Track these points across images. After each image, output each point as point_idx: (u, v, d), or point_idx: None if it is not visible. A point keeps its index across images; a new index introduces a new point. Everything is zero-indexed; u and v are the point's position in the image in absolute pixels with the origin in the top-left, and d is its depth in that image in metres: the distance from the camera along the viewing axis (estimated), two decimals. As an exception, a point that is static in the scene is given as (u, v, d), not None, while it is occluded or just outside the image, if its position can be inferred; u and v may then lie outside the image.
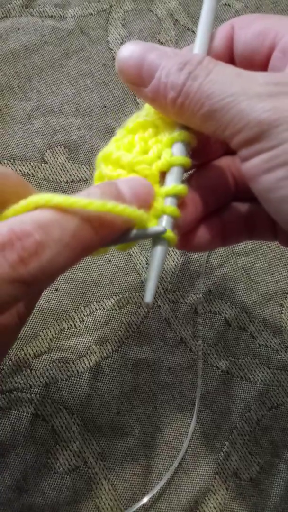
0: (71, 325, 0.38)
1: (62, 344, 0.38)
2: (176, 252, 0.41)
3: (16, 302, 0.21)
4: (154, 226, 0.24)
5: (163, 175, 0.26)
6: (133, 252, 0.41)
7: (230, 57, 0.28)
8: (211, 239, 0.29)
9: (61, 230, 0.21)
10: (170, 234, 0.25)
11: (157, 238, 0.25)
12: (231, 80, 0.23)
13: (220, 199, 0.30)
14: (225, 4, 0.51)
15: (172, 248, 0.41)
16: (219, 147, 0.30)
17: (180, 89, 0.24)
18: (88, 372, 0.37)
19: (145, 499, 0.35)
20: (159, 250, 0.25)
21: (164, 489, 0.36)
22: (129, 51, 0.25)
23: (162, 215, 0.25)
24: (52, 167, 0.42)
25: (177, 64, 0.24)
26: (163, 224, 0.25)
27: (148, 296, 0.24)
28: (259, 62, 0.26)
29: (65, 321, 0.38)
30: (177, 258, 0.42)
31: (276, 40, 0.25)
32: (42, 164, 0.42)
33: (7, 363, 0.37)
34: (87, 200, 0.21)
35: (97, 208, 0.21)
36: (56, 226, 0.21)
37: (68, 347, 0.38)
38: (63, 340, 0.38)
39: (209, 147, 0.30)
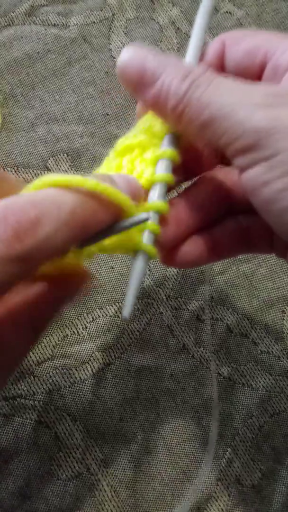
0: (74, 332, 0.39)
1: (65, 351, 0.38)
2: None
3: (13, 282, 0.20)
4: (138, 215, 0.24)
5: (147, 193, 0.27)
6: (135, 259, 0.41)
7: (221, 72, 0.28)
8: (199, 255, 0.29)
9: (58, 207, 0.21)
10: (150, 248, 0.25)
11: (137, 251, 0.25)
12: (231, 90, 0.23)
13: (211, 214, 0.30)
14: (226, 12, 0.51)
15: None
16: (212, 163, 0.30)
17: (182, 98, 0.24)
18: (91, 379, 0.38)
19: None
20: (139, 263, 0.25)
21: (166, 496, 0.36)
22: (130, 55, 0.25)
23: (144, 230, 0.26)
24: (55, 175, 0.42)
25: (181, 73, 0.24)
26: (143, 240, 0.25)
27: (127, 311, 0.24)
28: (251, 80, 0.27)
29: (68, 328, 0.39)
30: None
31: (267, 57, 0.26)
32: (45, 171, 0.42)
33: (10, 370, 0.37)
34: (82, 178, 0.22)
35: (91, 187, 0.22)
36: (53, 203, 0.21)
37: (71, 354, 0.38)
38: (66, 347, 0.38)
39: (201, 162, 0.30)
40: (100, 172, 0.27)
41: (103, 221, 0.23)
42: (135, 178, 0.26)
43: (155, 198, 0.26)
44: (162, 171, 0.26)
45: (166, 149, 0.26)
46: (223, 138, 0.23)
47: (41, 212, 0.20)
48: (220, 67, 0.28)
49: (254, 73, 0.26)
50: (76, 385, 0.37)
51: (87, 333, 0.39)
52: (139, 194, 0.25)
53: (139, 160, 0.27)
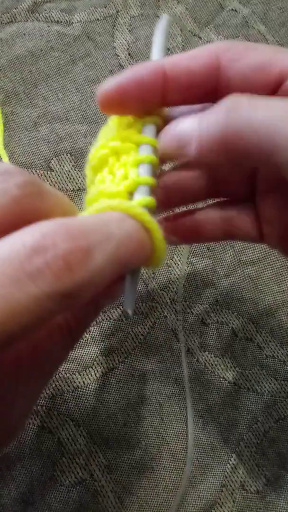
0: (77, 335, 0.38)
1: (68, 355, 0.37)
2: (183, 262, 0.41)
3: (49, 319, 0.18)
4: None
5: (130, 195, 0.26)
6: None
7: (212, 86, 0.26)
8: (172, 229, 0.29)
9: (107, 238, 0.19)
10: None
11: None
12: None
13: (188, 196, 0.30)
14: (232, 9, 0.51)
15: (178, 258, 0.41)
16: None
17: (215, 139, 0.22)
18: (94, 384, 0.37)
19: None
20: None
21: (171, 502, 0.36)
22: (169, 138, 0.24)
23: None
24: (59, 175, 0.42)
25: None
26: None
27: (129, 307, 0.23)
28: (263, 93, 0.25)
29: (71, 332, 0.38)
30: (184, 268, 0.41)
31: (282, 74, 0.24)
32: (48, 172, 0.42)
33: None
34: (144, 211, 0.21)
35: (147, 222, 0.21)
36: (102, 233, 0.19)
37: (74, 358, 0.37)
38: (69, 351, 0.37)
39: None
40: (90, 193, 0.26)
41: (139, 262, 0.22)
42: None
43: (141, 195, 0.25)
44: (146, 174, 0.25)
45: (148, 155, 0.26)
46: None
47: (92, 242, 0.18)
48: (211, 80, 0.26)
49: (266, 88, 0.25)
50: (79, 390, 0.37)
51: (91, 337, 0.38)
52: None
53: (117, 165, 0.26)
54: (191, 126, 0.23)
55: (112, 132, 0.27)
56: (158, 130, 0.27)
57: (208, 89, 0.26)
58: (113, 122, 0.28)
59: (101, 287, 0.19)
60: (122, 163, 0.26)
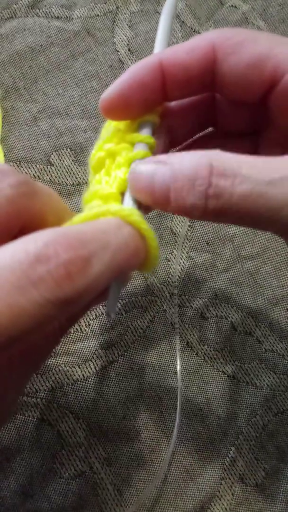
0: (77, 329, 0.38)
1: (67, 348, 0.38)
2: (183, 257, 0.41)
3: (48, 325, 0.19)
4: None
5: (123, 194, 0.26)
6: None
7: (210, 79, 0.25)
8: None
9: (104, 247, 0.20)
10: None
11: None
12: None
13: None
14: (232, 5, 0.51)
15: (177, 252, 0.41)
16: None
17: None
18: (94, 377, 0.37)
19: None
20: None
21: (170, 495, 0.36)
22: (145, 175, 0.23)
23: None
24: (58, 170, 0.42)
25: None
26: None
27: (112, 309, 0.23)
28: (252, 95, 0.25)
29: (71, 325, 0.38)
30: (183, 262, 0.41)
31: (278, 71, 0.23)
32: (48, 166, 0.42)
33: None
34: (143, 220, 0.22)
35: (144, 230, 0.22)
36: (100, 242, 0.19)
37: (74, 351, 0.38)
38: (69, 344, 0.38)
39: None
40: (87, 193, 0.26)
41: (134, 268, 0.23)
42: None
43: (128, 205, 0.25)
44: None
45: (139, 151, 0.26)
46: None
47: (91, 251, 0.19)
48: (207, 73, 0.25)
49: (259, 88, 0.24)
50: (79, 383, 0.37)
51: (90, 330, 0.38)
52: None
53: (113, 167, 0.26)
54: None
55: (109, 133, 0.27)
56: (155, 126, 0.28)
57: (206, 82, 0.26)
58: (110, 122, 0.28)
59: (98, 292, 0.20)
60: (117, 164, 0.26)
